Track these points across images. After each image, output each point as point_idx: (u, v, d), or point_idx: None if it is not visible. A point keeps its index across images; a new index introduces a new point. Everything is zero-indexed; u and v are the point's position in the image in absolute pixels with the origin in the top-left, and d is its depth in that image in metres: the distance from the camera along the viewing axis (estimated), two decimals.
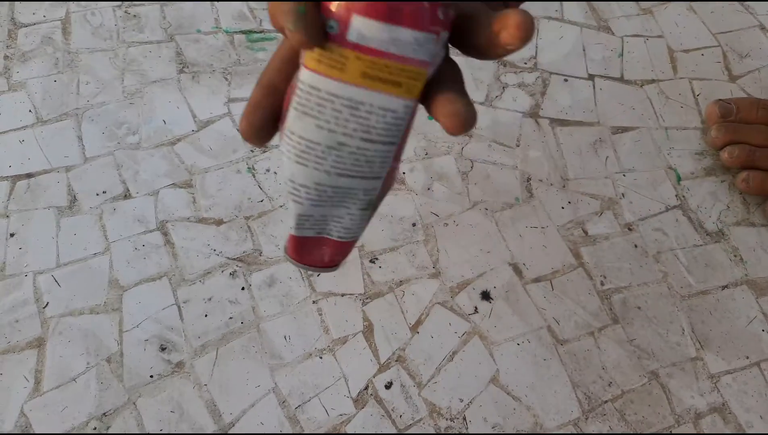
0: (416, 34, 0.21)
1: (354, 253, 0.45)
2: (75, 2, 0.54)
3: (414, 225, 0.47)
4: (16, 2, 0.53)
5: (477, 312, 0.44)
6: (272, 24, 0.22)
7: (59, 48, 0.51)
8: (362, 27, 0.21)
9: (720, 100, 0.53)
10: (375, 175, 0.25)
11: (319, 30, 0.21)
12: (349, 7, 0.21)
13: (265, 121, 0.25)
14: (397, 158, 0.25)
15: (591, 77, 0.55)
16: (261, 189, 0.47)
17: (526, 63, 0.55)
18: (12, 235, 0.44)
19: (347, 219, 0.27)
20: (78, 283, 0.42)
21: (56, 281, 0.42)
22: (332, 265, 0.32)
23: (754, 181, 0.49)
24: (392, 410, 0.40)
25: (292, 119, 0.23)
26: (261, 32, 0.54)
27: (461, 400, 0.41)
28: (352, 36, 0.21)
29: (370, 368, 0.41)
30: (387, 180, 0.26)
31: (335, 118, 0.22)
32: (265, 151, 0.49)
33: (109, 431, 0.38)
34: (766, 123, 0.51)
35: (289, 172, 0.24)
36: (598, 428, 0.41)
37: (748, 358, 0.44)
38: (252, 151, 0.49)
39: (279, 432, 0.39)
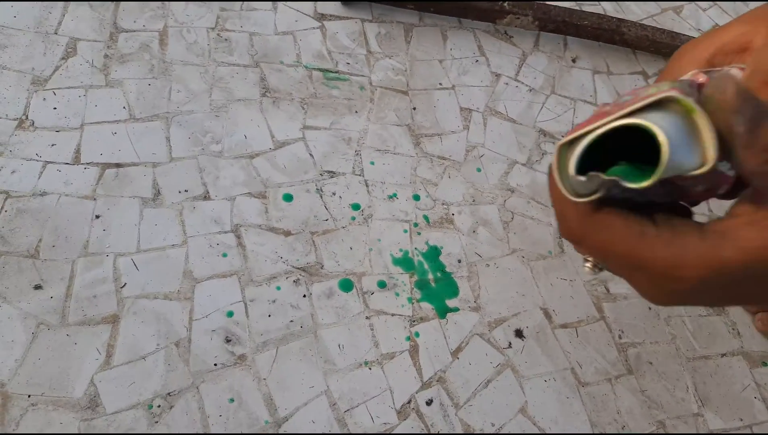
0: None
1: (404, 278, 0.50)
2: (173, 18, 0.59)
3: (459, 261, 0.52)
4: (119, 7, 0.58)
5: (511, 347, 0.48)
6: None
7: (155, 56, 0.56)
8: None
9: None
10: None
11: None
12: None
13: None
14: None
15: None
16: (327, 209, 0.52)
17: (563, 135, 0.63)
18: (97, 216, 0.47)
19: None
20: (155, 269, 0.45)
21: (135, 265, 0.45)
22: None
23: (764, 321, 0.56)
24: (431, 425, 0.44)
25: None
26: (336, 72, 0.60)
27: (493, 425, 0.45)
28: None
29: (413, 384, 0.45)
30: None
31: None
32: (333, 177, 0.53)
33: (172, 410, 0.41)
34: None
35: None
36: None
37: (741, 420, 0.49)
38: (321, 175, 0.53)
39: (329, 432, 0.42)
